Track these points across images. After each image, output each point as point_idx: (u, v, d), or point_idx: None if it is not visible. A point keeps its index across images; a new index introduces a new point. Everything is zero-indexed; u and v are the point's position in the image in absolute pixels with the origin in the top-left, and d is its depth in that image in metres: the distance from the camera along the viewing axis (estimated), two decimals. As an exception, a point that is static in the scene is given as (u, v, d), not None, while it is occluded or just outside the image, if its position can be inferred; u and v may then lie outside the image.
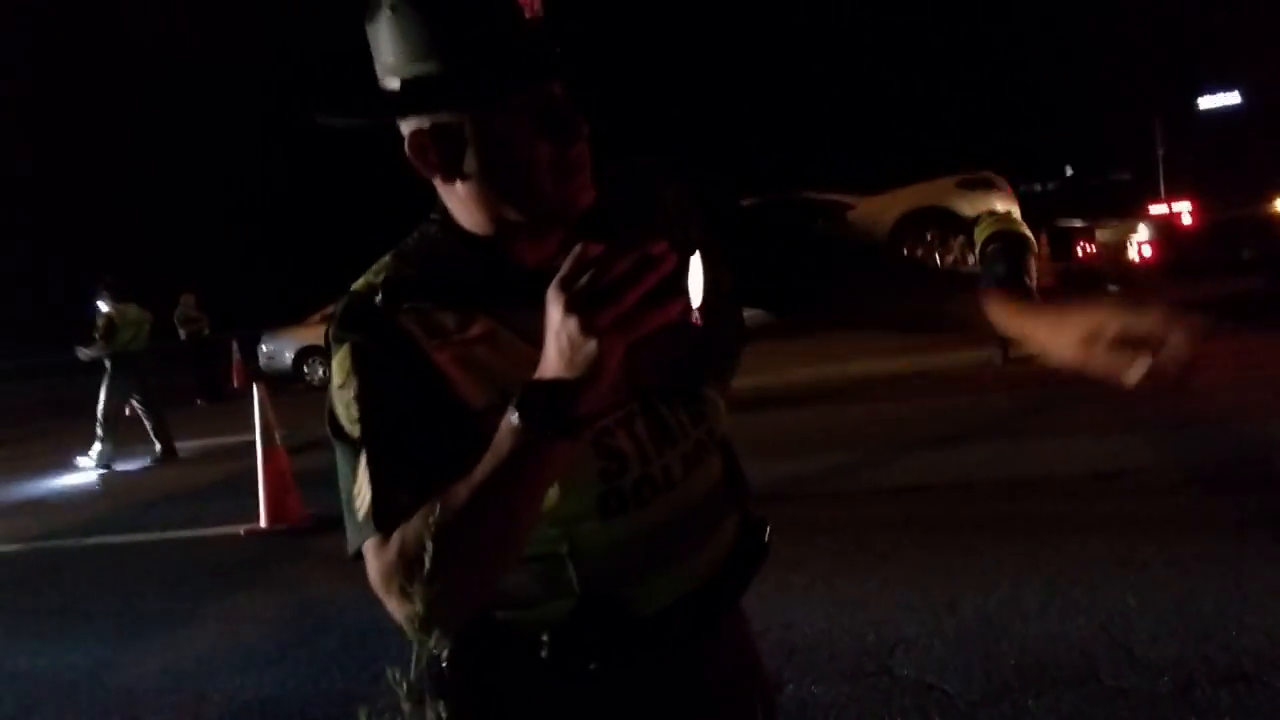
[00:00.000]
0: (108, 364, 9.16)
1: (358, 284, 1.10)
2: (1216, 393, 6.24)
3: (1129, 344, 0.98)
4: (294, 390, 13.14)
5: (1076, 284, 13.99)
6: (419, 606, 0.91)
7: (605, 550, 1.09)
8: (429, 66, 0.98)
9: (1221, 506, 4.17)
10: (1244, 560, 3.53)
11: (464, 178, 1.03)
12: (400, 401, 1.02)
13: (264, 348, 15.24)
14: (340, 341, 1.05)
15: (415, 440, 1.00)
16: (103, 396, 9.22)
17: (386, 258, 1.11)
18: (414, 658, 1.19)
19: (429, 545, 0.89)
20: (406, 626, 0.92)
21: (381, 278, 1.08)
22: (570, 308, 0.86)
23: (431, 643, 1.14)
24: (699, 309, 0.90)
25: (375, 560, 0.97)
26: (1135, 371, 0.98)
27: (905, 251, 15.26)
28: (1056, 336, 1.02)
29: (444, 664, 1.12)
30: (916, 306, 1.22)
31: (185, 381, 14.90)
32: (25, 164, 30.06)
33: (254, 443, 5.92)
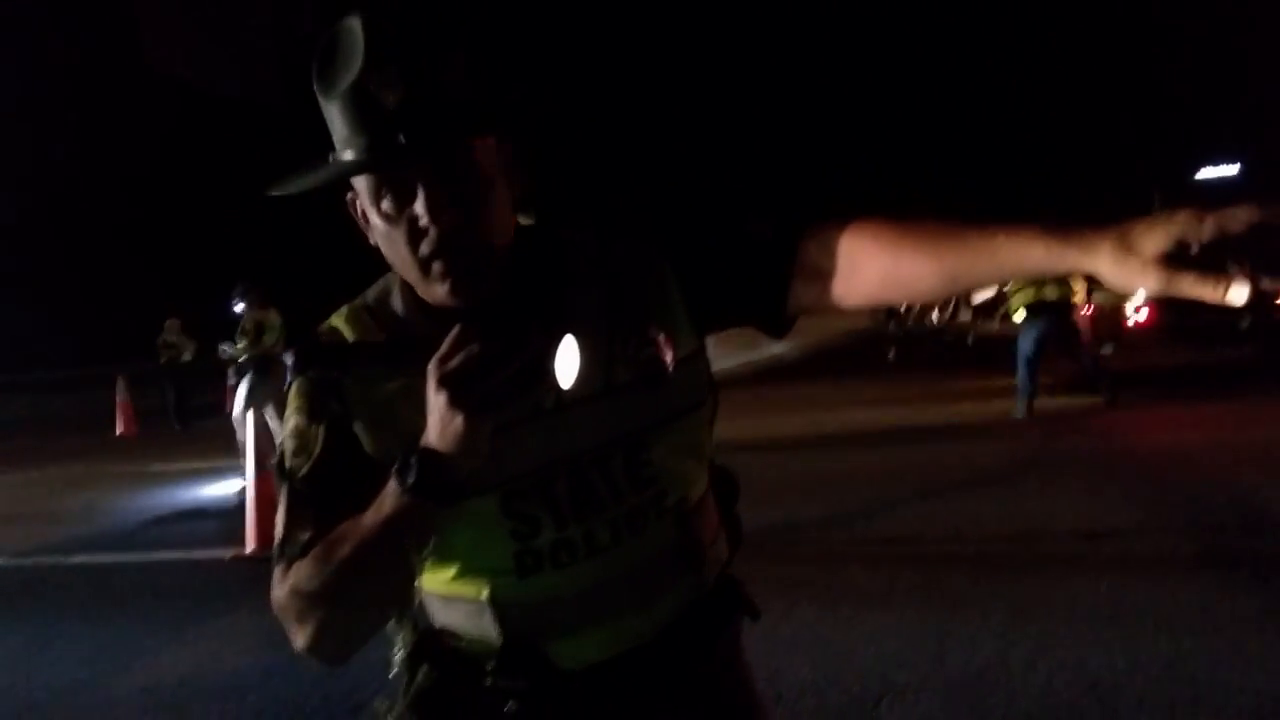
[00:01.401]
0: (239, 370, 9.01)
1: (323, 325, 1.18)
2: (1210, 455, 6.27)
3: (1215, 253, 0.83)
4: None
5: (1071, 345, 14.02)
6: (306, 637, 1.05)
7: (524, 604, 1.12)
8: (340, 142, 1.06)
9: (1213, 569, 4.16)
10: (1235, 624, 3.53)
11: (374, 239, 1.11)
12: (321, 445, 1.10)
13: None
14: (293, 377, 1.14)
15: (327, 483, 1.08)
16: (239, 404, 8.95)
17: (346, 307, 1.19)
18: (399, 689, 1.21)
19: (310, 586, 1.02)
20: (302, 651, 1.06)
21: (330, 326, 1.16)
22: (441, 385, 0.93)
23: (416, 676, 1.17)
24: (568, 390, 0.97)
25: (276, 590, 1.06)
26: (1238, 290, 0.81)
27: (893, 319, 15.32)
28: (1126, 262, 0.85)
29: (416, 690, 1.16)
30: (939, 266, 1.03)
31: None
32: (38, 187, 30.26)
33: (242, 468, 5.91)
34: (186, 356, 14.52)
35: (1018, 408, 8.38)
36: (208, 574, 5.65)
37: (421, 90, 1.00)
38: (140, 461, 10.71)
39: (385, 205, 1.04)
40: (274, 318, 9.07)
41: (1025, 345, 8.32)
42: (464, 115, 1.03)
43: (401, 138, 1.00)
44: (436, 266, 1.04)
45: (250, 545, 5.79)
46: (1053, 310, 8.25)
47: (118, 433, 14.01)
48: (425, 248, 1.03)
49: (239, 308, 8.96)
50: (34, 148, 29.14)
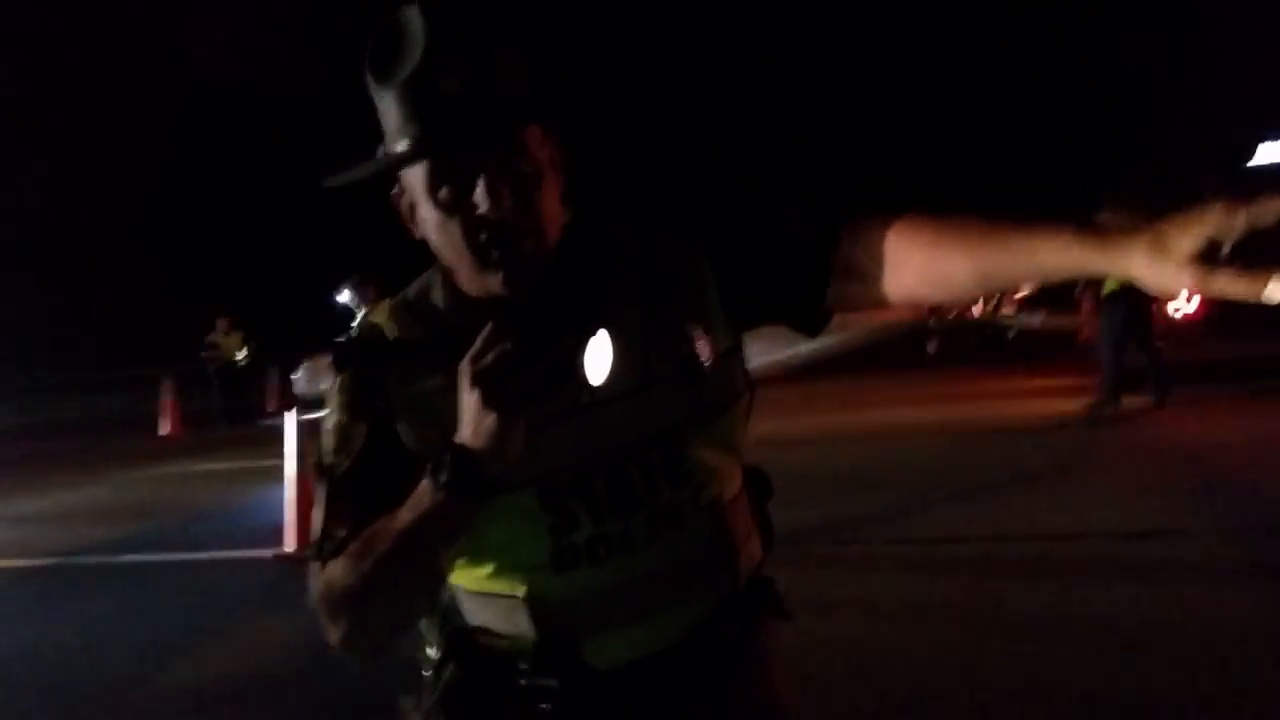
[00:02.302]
0: None
1: (364, 320, 1.20)
2: (1258, 452, 6.12)
3: (1253, 252, 0.81)
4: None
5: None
6: (340, 632, 1.06)
7: (559, 601, 1.12)
8: (388, 136, 1.07)
9: (1257, 570, 4.07)
10: (1283, 627, 3.44)
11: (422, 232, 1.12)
12: (362, 442, 1.11)
13: (297, 375, 15.38)
14: (336, 374, 1.15)
15: (366, 481, 1.09)
16: None
17: (386, 302, 1.20)
18: (429, 687, 1.21)
19: (346, 582, 1.03)
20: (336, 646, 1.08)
21: (372, 323, 1.17)
22: (474, 384, 0.93)
23: (445, 674, 1.18)
24: (601, 386, 0.97)
25: (311, 584, 1.08)
26: (1276, 287, 0.78)
27: (933, 313, 15.14)
28: (1160, 263, 0.83)
29: (445, 688, 1.16)
30: (976, 264, 1.02)
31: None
32: (84, 189, 30.87)
33: (285, 467, 5.98)
34: (238, 356, 14.71)
35: (1103, 403, 7.92)
36: (250, 573, 5.72)
37: (482, 80, 1.02)
38: (185, 462, 10.90)
39: (442, 195, 1.05)
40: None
41: (1113, 331, 7.79)
42: (522, 105, 1.05)
43: (461, 128, 1.01)
44: (494, 255, 1.05)
45: (291, 544, 5.85)
46: (1132, 296, 7.50)
47: (163, 433, 14.26)
48: (483, 236, 1.05)
49: (344, 298, 8.85)
50: (82, 149, 29.73)
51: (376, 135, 1.11)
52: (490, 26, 1.04)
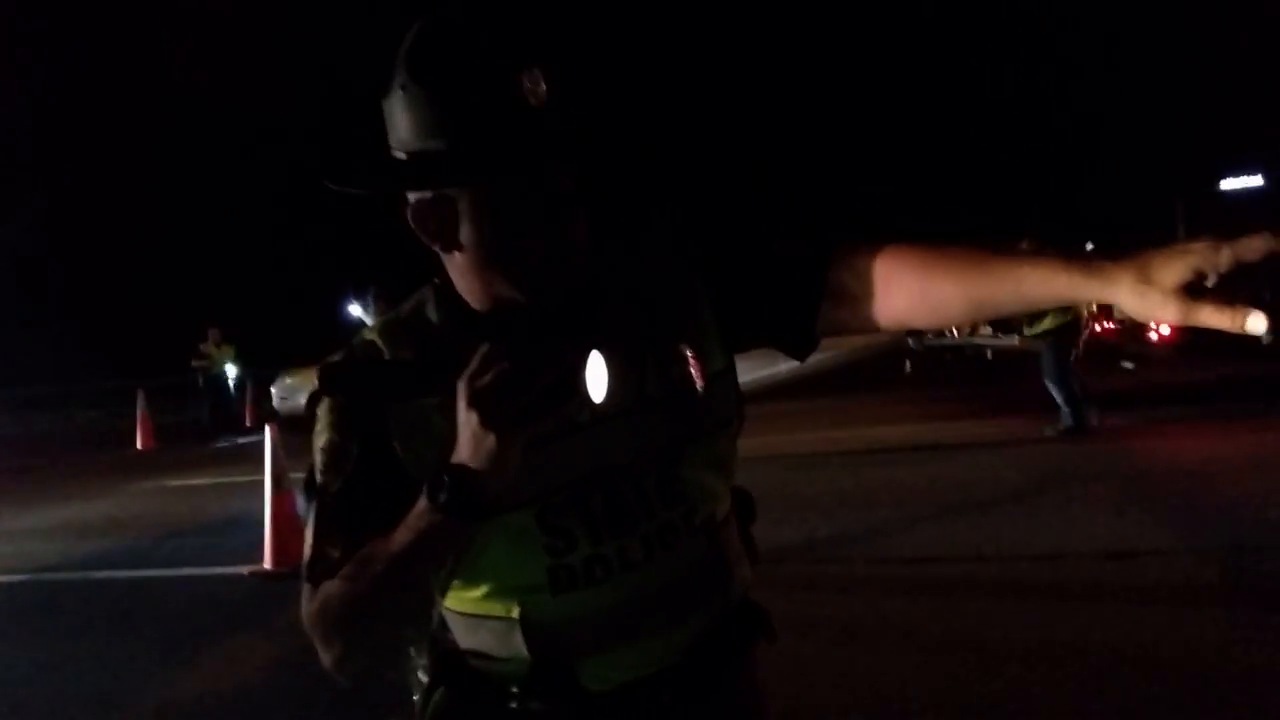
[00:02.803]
0: None
1: (356, 338, 1.17)
2: (1235, 472, 6.18)
3: (1237, 284, 0.84)
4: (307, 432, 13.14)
5: (1093, 359, 13.94)
6: (333, 655, 1.05)
7: (556, 622, 1.11)
8: (433, 143, 1.03)
9: (1234, 591, 4.10)
10: (1262, 649, 3.46)
11: (460, 249, 1.08)
12: (354, 462, 1.09)
13: (275, 389, 15.27)
14: (325, 394, 1.12)
15: (359, 501, 1.07)
16: None
17: (380, 320, 1.19)
18: (416, 711, 1.20)
19: (339, 604, 1.02)
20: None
21: (365, 340, 1.15)
22: (471, 404, 0.92)
23: (435, 697, 1.17)
24: (599, 405, 0.96)
25: (304, 606, 1.06)
26: (1256, 320, 0.81)
27: (911, 334, 15.27)
28: (1146, 292, 0.86)
29: (435, 711, 1.15)
30: (966, 292, 1.04)
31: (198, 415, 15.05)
32: (61, 206, 30.69)
33: (263, 482, 5.93)
34: (228, 368, 14.63)
35: (1061, 421, 8.31)
36: (226, 590, 5.66)
37: (560, 95, 1.03)
38: (160, 476, 10.78)
39: (515, 210, 1.04)
40: None
41: (1054, 368, 8.31)
42: (592, 122, 1.06)
43: (553, 139, 1.02)
44: (552, 271, 1.06)
45: (268, 562, 5.80)
46: (1061, 332, 8.25)
47: (138, 447, 14.11)
48: (543, 258, 1.05)
49: (358, 311, 8.75)
50: (58, 168, 29.58)
51: (347, 148, 1.09)
52: (540, 43, 1.04)
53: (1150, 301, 0.85)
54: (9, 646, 4.95)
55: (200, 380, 14.97)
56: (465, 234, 1.07)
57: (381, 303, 8.69)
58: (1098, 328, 15.41)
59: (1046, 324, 8.18)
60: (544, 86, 1.03)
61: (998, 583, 4.49)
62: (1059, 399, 8.33)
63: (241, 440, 13.54)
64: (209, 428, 14.61)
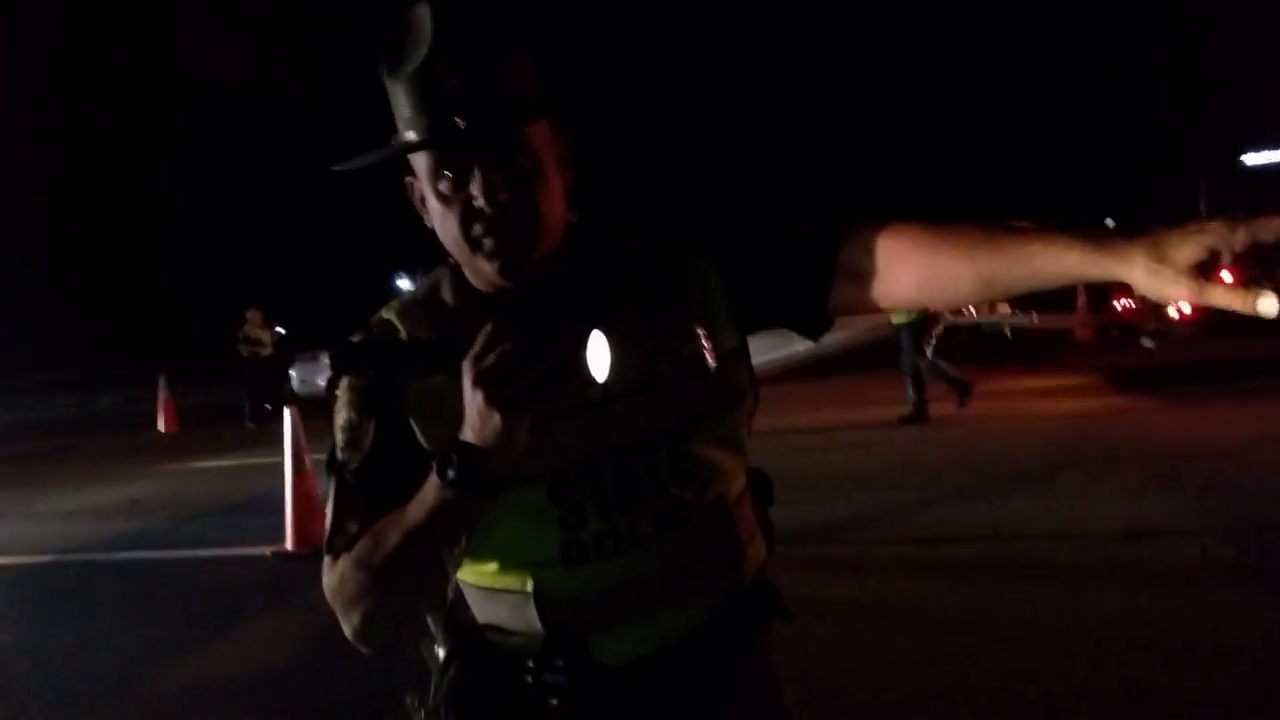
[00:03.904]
0: None
1: (374, 317, 1.20)
2: (1253, 452, 6.14)
3: (1251, 263, 0.84)
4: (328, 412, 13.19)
5: (1113, 338, 13.85)
6: (353, 626, 1.09)
7: (568, 596, 1.14)
8: (404, 122, 1.08)
9: (1253, 571, 4.08)
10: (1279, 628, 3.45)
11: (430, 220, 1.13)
12: (371, 439, 1.12)
13: (295, 372, 15.37)
14: (342, 373, 1.16)
15: (377, 476, 1.10)
16: None
17: (396, 300, 1.21)
18: (432, 685, 1.22)
19: (357, 576, 1.06)
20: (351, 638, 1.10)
21: (382, 319, 1.18)
22: (476, 383, 0.94)
23: (451, 671, 1.19)
24: (603, 383, 0.97)
25: (325, 578, 1.11)
26: (1268, 302, 0.81)
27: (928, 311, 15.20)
28: (1160, 270, 0.86)
29: (451, 685, 1.17)
30: (977, 270, 1.04)
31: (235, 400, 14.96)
32: (84, 193, 30.91)
33: (283, 464, 5.98)
34: (266, 351, 14.50)
35: (961, 394, 8.79)
36: (248, 570, 5.72)
37: (483, 77, 1.03)
38: (182, 459, 10.90)
39: (443, 186, 1.07)
40: None
41: (912, 357, 8.84)
42: (526, 103, 1.07)
43: (461, 121, 1.03)
44: (488, 244, 1.07)
45: (289, 542, 5.86)
46: (917, 324, 8.75)
47: (160, 430, 14.24)
48: (478, 228, 1.06)
49: (406, 285, 8.79)
50: (80, 156, 29.79)
51: (378, 135, 1.12)
52: (499, 27, 1.06)
53: (1163, 280, 0.85)
54: (35, 626, 5.03)
55: (246, 363, 14.55)
56: (426, 205, 1.12)
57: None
58: (1118, 305, 15.32)
59: (902, 317, 8.59)
60: (459, 73, 1.03)
61: (1015, 563, 4.49)
62: (909, 387, 8.84)
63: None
64: (255, 411, 14.15)
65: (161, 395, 14.55)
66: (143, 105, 31.84)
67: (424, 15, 1.04)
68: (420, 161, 1.09)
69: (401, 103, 1.07)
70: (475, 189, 1.05)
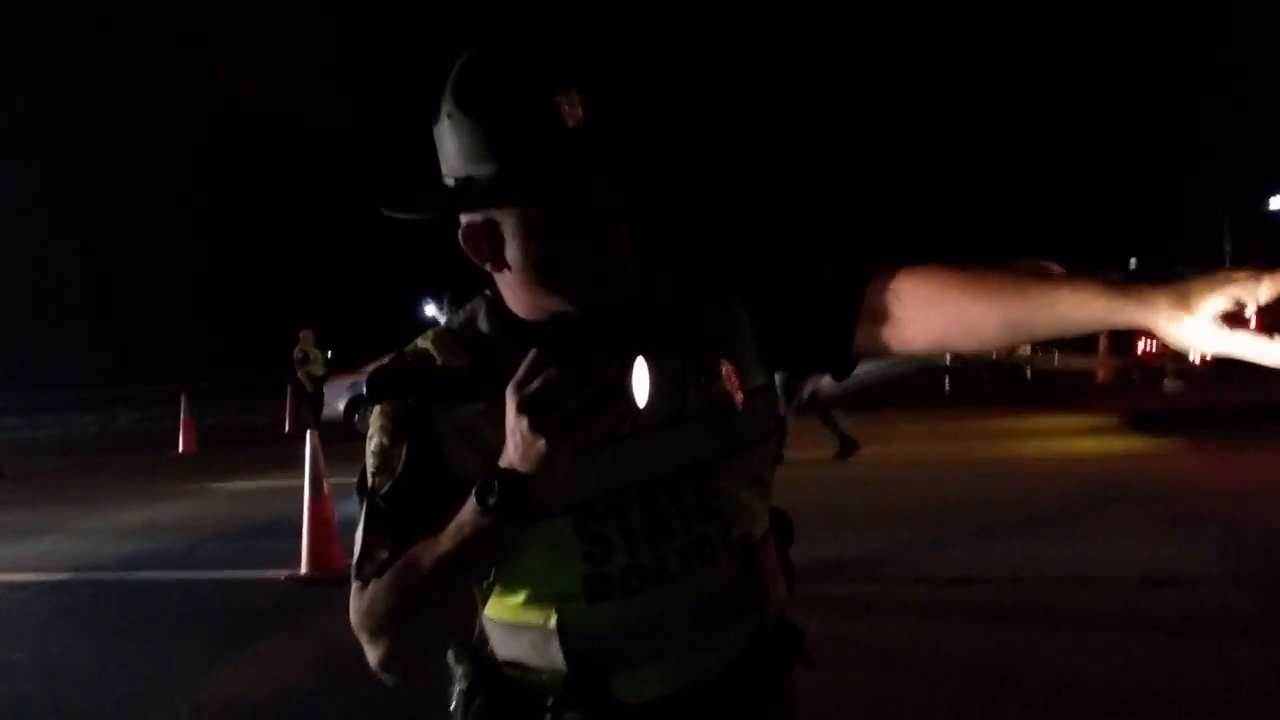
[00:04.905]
0: None
1: (410, 346, 1.20)
2: (1276, 497, 6.06)
3: (1274, 315, 0.85)
4: (347, 438, 13.25)
5: (1134, 380, 13.74)
6: (379, 654, 1.08)
7: (592, 632, 1.13)
8: (481, 168, 1.07)
9: (1278, 622, 4.02)
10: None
11: (509, 268, 1.12)
12: (403, 464, 1.12)
13: (300, 395, 15.37)
14: (375, 399, 1.16)
15: (408, 503, 1.10)
16: None
17: (432, 330, 1.21)
18: (454, 716, 1.22)
19: (387, 604, 1.05)
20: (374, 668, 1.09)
21: (418, 348, 1.18)
22: (521, 410, 0.94)
23: (474, 705, 1.19)
24: (642, 411, 0.98)
25: (353, 605, 1.09)
26: None
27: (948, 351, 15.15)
28: (1183, 320, 0.87)
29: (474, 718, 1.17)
30: (1003, 315, 1.05)
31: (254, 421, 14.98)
32: (109, 212, 31.35)
33: (302, 488, 6.00)
34: (318, 370, 14.59)
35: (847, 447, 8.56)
36: (263, 594, 5.73)
37: (595, 116, 1.06)
38: (200, 479, 10.94)
39: (543, 227, 1.07)
40: None
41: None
42: (632, 145, 1.10)
43: (591, 162, 1.06)
44: (586, 283, 1.10)
45: (304, 567, 5.87)
46: None
47: (179, 450, 14.33)
48: (581, 270, 1.09)
49: (433, 312, 8.75)
50: (107, 176, 30.24)
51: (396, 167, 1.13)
52: (569, 68, 1.08)
53: (1186, 329, 0.86)
54: (52, 643, 5.05)
55: (306, 382, 14.69)
56: (512, 254, 1.11)
57: (457, 306, 8.80)
58: (1140, 347, 15.20)
59: None
60: (580, 108, 1.07)
61: (1033, 608, 4.44)
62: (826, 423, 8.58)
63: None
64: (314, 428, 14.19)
65: (182, 415, 14.65)
66: (170, 127, 32.38)
67: (505, 53, 1.06)
68: (516, 207, 1.08)
69: (485, 139, 1.06)
70: (582, 231, 1.07)
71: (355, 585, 1.10)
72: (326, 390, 14.78)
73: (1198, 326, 0.85)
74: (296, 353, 14.54)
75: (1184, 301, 0.86)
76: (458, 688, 1.23)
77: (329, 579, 5.67)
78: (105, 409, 23.13)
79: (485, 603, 1.10)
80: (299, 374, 14.60)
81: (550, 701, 1.14)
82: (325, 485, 5.98)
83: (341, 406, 14.60)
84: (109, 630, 5.25)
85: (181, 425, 14.60)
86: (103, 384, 25.61)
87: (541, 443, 0.93)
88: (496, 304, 1.18)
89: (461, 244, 1.14)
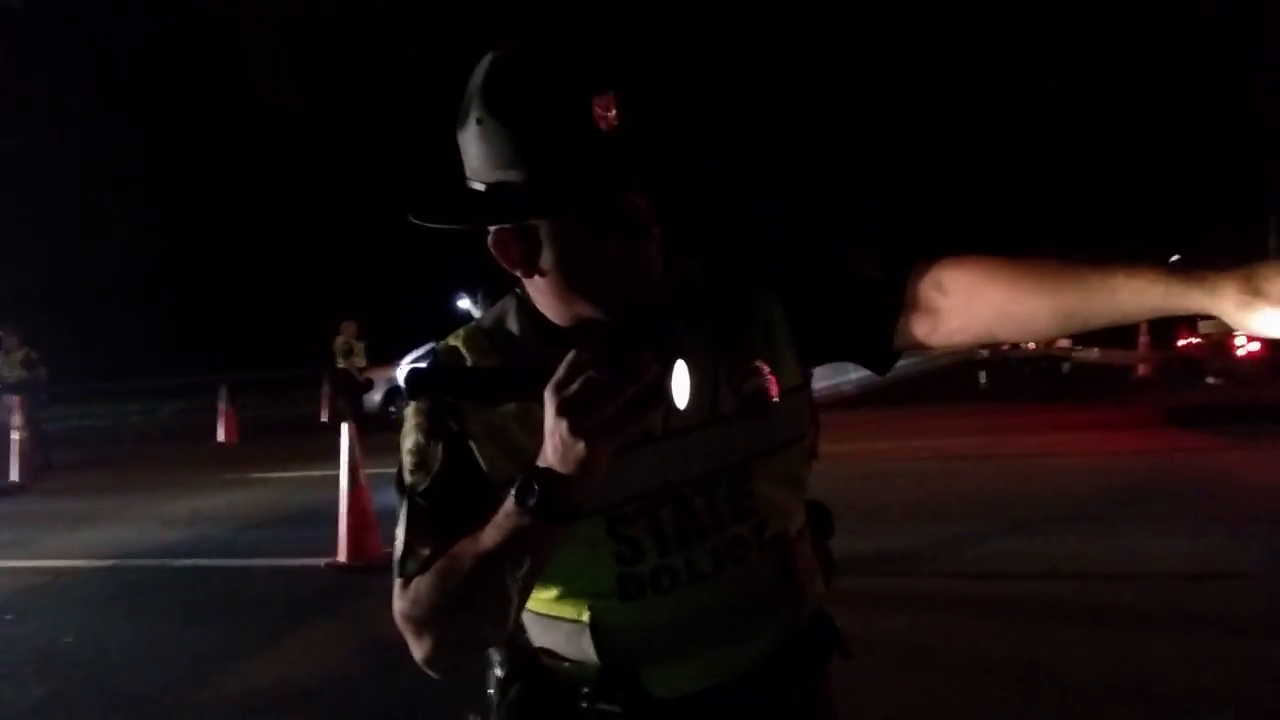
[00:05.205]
0: None
1: (441, 343, 1.20)
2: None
3: None
4: (382, 429, 13.38)
5: (1176, 375, 13.54)
6: (424, 649, 1.09)
7: (624, 628, 1.14)
8: (511, 174, 1.06)
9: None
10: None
11: (541, 273, 1.11)
12: (440, 462, 1.12)
13: (338, 387, 15.53)
14: (409, 397, 1.16)
15: (446, 499, 1.11)
16: None
17: (463, 329, 1.21)
18: (490, 701, 1.24)
19: (430, 601, 1.06)
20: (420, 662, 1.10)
21: (449, 347, 1.18)
22: (561, 412, 0.93)
23: (511, 692, 1.20)
24: (671, 417, 0.97)
25: (396, 602, 1.11)
26: None
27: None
28: (1251, 305, 0.84)
29: (510, 706, 1.18)
30: (1056, 305, 1.02)
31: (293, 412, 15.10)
32: (155, 207, 31.83)
33: (339, 477, 6.07)
34: (360, 362, 14.75)
35: None
36: (302, 581, 5.82)
37: (628, 118, 1.05)
38: (240, 469, 11.10)
39: (579, 233, 1.07)
40: None
41: None
42: (667, 149, 1.09)
43: (629, 168, 1.05)
44: (622, 289, 1.10)
45: (343, 555, 5.94)
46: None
47: (220, 441, 14.54)
48: (617, 276, 1.08)
49: (466, 305, 8.82)
50: (148, 172, 30.69)
51: (434, 163, 1.13)
52: (606, 71, 1.06)
53: (1256, 314, 0.84)
54: (96, 629, 5.15)
55: (339, 372, 14.81)
56: (546, 260, 1.10)
57: (490, 300, 8.90)
58: (1182, 342, 14.96)
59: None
60: (614, 111, 1.05)
61: (1071, 603, 4.39)
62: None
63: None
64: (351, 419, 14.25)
65: (222, 407, 14.86)
66: (211, 123, 32.80)
67: (538, 57, 1.05)
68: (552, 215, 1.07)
69: (515, 143, 1.04)
70: (616, 237, 1.07)
71: (398, 582, 1.11)
72: (367, 382, 14.92)
73: (1268, 312, 0.83)
74: (339, 345, 14.69)
75: (1254, 286, 0.83)
76: (495, 674, 1.24)
77: (367, 566, 5.74)
78: (148, 400, 23.52)
79: (525, 599, 1.10)
80: (342, 365, 14.70)
81: (585, 692, 1.15)
82: (362, 474, 6.04)
83: (379, 397, 14.76)
84: (153, 616, 5.35)
85: (222, 416, 14.81)
86: (146, 376, 26.03)
87: (581, 445, 0.92)
88: (526, 304, 1.18)
89: (491, 249, 1.13)
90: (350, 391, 14.71)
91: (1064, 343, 14.02)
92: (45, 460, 12.18)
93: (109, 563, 6.70)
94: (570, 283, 1.10)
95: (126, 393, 24.90)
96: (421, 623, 1.08)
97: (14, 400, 11.47)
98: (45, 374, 12.48)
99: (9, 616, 5.43)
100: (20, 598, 5.82)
